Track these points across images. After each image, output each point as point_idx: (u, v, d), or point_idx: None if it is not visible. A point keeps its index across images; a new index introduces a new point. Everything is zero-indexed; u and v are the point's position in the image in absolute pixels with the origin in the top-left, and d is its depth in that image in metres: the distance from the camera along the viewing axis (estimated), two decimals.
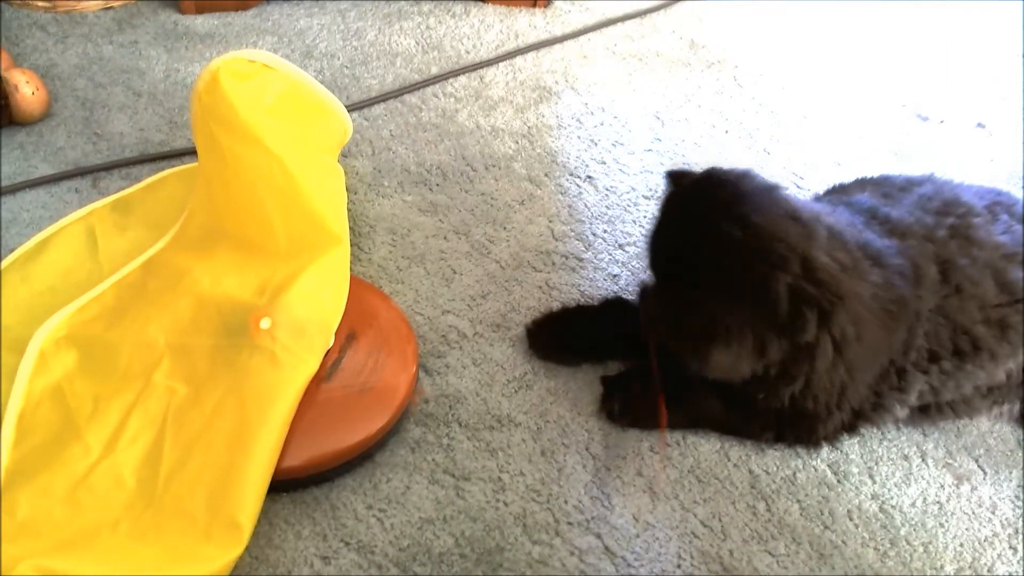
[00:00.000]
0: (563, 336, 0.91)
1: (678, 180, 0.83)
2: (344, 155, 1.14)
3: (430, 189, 1.11)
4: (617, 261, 1.04)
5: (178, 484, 0.70)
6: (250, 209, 0.86)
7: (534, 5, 1.52)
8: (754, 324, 0.72)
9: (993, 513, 0.82)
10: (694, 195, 0.79)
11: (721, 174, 0.78)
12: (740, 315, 0.72)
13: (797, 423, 0.82)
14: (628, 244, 1.07)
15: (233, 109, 0.82)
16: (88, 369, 0.77)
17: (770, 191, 0.76)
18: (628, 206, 1.13)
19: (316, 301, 0.84)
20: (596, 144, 1.23)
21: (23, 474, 0.69)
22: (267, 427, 0.73)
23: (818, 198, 0.99)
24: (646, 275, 0.86)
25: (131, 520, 0.68)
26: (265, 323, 0.80)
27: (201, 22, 1.37)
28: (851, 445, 0.86)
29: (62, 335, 0.79)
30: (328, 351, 0.82)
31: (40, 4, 1.33)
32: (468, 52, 1.39)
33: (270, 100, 0.86)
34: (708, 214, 0.75)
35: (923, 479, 0.84)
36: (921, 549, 0.78)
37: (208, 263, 0.86)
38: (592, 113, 1.29)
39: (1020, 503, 0.83)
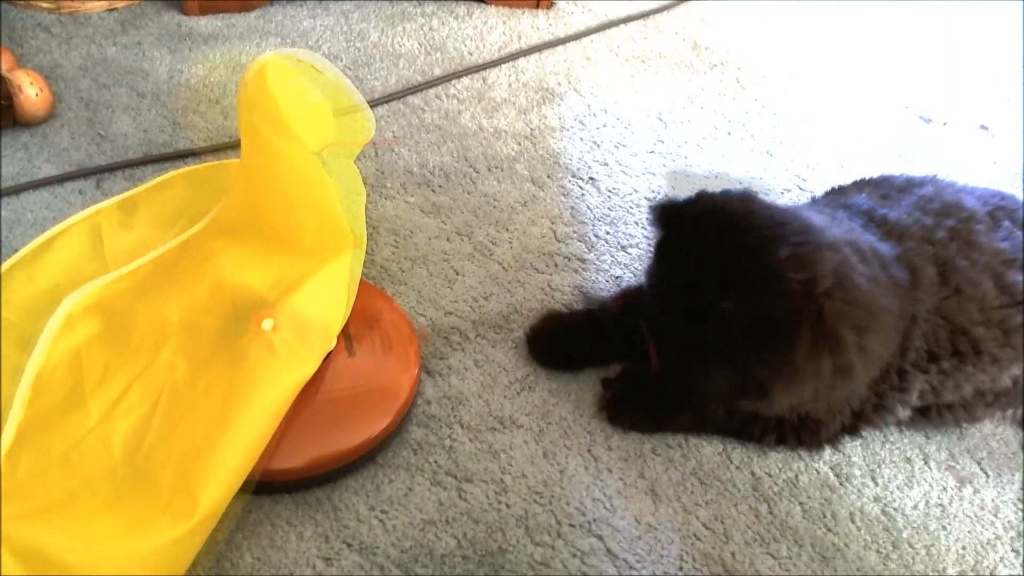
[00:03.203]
0: (563, 342, 0.90)
1: (670, 218, 0.80)
2: None
3: (433, 190, 1.11)
4: (619, 263, 1.04)
5: (155, 456, 0.70)
6: (281, 204, 0.87)
7: (537, 6, 1.52)
8: (812, 357, 0.71)
9: (996, 516, 0.82)
10: (703, 236, 0.76)
11: (724, 205, 0.76)
12: (801, 353, 0.70)
13: (799, 426, 0.82)
14: (630, 246, 1.07)
15: (276, 104, 0.83)
16: (107, 338, 0.78)
17: (784, 214, 0.75)
18: (631, 208, 1.13)
19: (323, 302, 0.84)
20: (599, 146, 1.23)
21: (30, 433, 0.70)
22: (249, 411, 0.73)
23: (816, 200, 0.99)
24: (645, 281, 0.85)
25: (110, 487, 0.68)
26: (267, 324, 0.80)
27: (205, 23, 1.37)
28: (853, 447, 0.86)
29: (92, 303, 0.80)
30: (330, 353, 0.82)
31: (44, 5, 1.34)
32: (471, 54, 1.39)
33: (313, 101, 0.87)
34: (734, 253, 0.73)
35: (925, 481, 0.84)
36: (923, 552, 0.78)
37: (235, 250, 0.88)
38: (595, 115, 1.29)
39: (1022, 506, 0.83)
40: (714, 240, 0.75)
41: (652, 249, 0.82)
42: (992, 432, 0.90)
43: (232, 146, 1.13)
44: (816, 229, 0.75)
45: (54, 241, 0.92)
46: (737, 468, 0.83)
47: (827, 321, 0.69)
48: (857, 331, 0.71)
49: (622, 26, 1.52)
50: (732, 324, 0.71)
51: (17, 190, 1.02)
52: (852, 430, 0.84)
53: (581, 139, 1.24)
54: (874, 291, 0.73)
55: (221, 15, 1.39)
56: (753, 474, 0.83)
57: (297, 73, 0.87)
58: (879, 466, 0.85)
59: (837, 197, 0.93)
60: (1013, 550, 0.79)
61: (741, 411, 0.82)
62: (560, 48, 1.44)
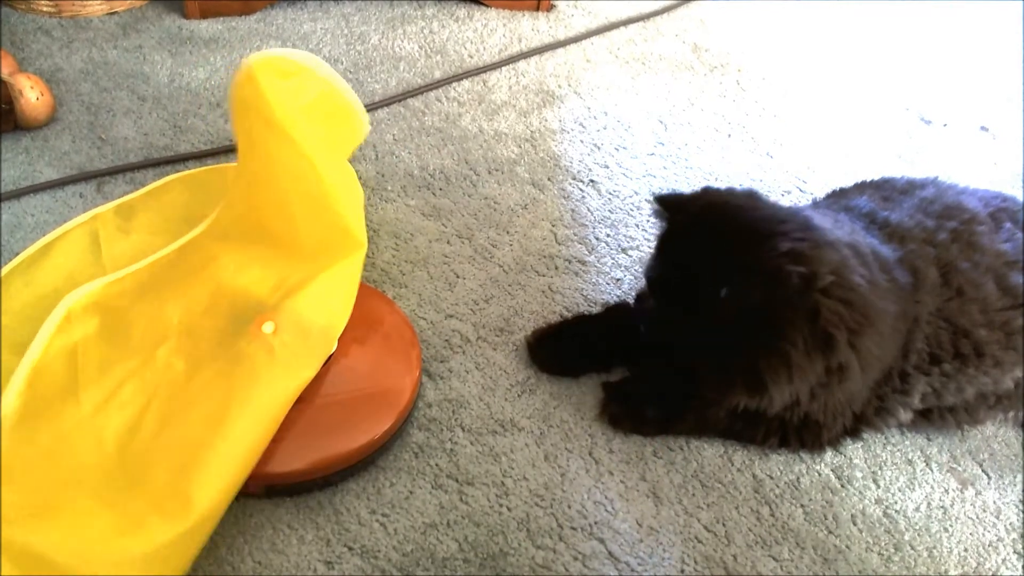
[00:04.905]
0: (564, 348, 0.90)
1: (674, 208, 0.80)
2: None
3: (433, 193, 1.11)
4: (620, 265, 1.04)
5: (148, 453, 0.70)
6: (278, 207, 0.88)
7: (537, 9, 1.53)
8: (808, 352, 0.70)
9: (997, 518, 0.82)
10: (706, 227, 0.76)
11: (728, 198, 0.77)
12: (798, 347, 0.70)
13: (801, 428, 0.82)
14: (631, 248, 1.07)
15: (269, 106, 0.83)
16: (104, 337, 0.79)
17: (786, 212, 0.75)
18: (631, 210, 1.13)
19: (325, 305, 0.84)
20: (599, 148, 1.23)
21: (20, 425, 0.70)
22: (247, 412, 0.73)
23: (817, 202, 0.99)
24: (644, 286, 0.85)
25: (98, 478, 0.68)
26: (268, 327, 0.80)
27: (206, 27, 1.37)
28: (855, 450, 0.86)
29: (92, 302, 0.80)
30: (330, 356, 0.82)
31: (45, 8, 1.34)
32: (471, 56, 1.39)
33: (306, 101, 0.86)
34: (736, 244, 0.73)
35: (927, 484, 0.84)
36: (925, 554, 0.78)
37: (235, 254, 0.88)
38: (595, 117, 1.29)
39: None
40: (716, 231, 0.75)
41: (655, 242, 0.82)
42: (994, 434, 0.90)
43: (233, 149, 1.13)
44: (818, 228, 0.75)
45: (52, 246, 0.92)
46: (739, 471, 0.83)
47: (822, 317, 0.69)
48: (851, 332, 0.71)
49: (622, 28, 1.52)
50: (728, 312, 0.71)
51: (18, 194, 1.03)
52: (854, 432, 0.84)
53: (581, 141, 1.24)
54: (872, 293, 0.73)
55: (222, 18, 1.40)
56: (755, 476, 0.83)
57: (290, 73, 0.86)
58: (881, 468, 0.85)
59: (838, 199, 0.93)
60: (1015, 552, 0.79)
61: (742, 413, 0.82)
62: (560, 50, 1.44)
